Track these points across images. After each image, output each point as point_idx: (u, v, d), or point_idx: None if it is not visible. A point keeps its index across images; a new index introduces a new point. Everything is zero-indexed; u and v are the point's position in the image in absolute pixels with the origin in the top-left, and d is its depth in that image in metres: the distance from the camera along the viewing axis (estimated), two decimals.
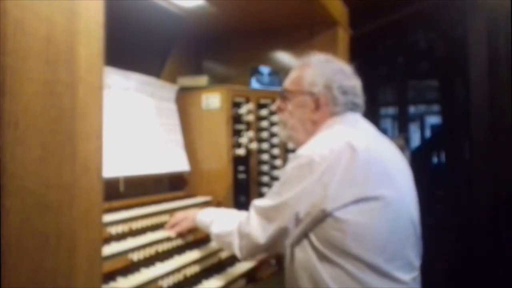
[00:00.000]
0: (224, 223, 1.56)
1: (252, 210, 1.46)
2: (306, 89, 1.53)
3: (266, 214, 1.40)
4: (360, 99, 1.56)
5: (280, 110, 1.63)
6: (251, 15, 2.41)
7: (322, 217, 1.32)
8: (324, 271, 1.32)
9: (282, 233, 1.38)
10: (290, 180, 1.38)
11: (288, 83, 1.62)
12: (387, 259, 1.32)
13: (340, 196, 1.30)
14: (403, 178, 1.47)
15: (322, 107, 1.51)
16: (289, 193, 1.36)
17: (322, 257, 1.33)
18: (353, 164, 1.32)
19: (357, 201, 1.30)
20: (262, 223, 1.41)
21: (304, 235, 1.37)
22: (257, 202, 1.46)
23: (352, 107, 1.52)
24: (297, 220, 1.35)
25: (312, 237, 1.35)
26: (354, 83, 1.55)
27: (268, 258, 1.89)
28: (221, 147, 2.16)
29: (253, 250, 1.45)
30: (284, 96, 1.61)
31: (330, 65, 1.56)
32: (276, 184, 1.45)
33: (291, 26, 2.57)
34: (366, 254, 1.30)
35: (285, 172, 1.42)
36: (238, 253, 1.48)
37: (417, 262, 1.44)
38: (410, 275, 1.38)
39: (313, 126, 1.52)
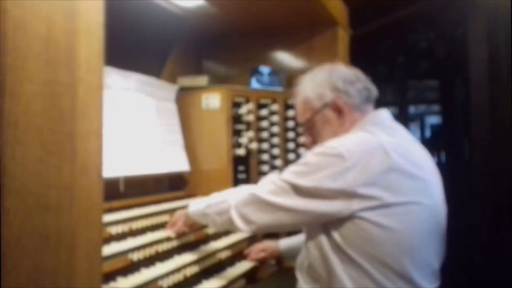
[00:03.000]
0: (220, 195, 1.56)
1: (263, 181, 1.45)
2: (319, 106, 1.50)
3: (281, 186, 1.35)
4: (368, 83, 1.52)
5: (313, 142, 1.55)
6: (251, 15, 2.41)
7: (347, 216, 1.28)
8: (346, 274, 1.29)
9: (291, 210, 1.33)
10: (311, 165, 1.32)
11: (300, 115, 1.58)
12: (413, 267, 1.28)
13: (370, 198, 1.25)
14: (437, 186, 1.43)
15: (343, 108, 1.48)
16: (307, 179, 1.30)
17: (346, 258, 1.29)
18: (385, 168, 1.27)
19: (388, 205, 1.26)
20: (272, 190, 1.36)
21: (325, 234, 1.33)
22: (273, 176, 1.44)
23: (367, 94, 1.49)
24: (310, 204, 1.30)
25: (336, 236, 1.31)
26: (352, 71, 1.53)
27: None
28: (221, 147, 2.16)
29: (254, 210, 1.39)
30: (307, 126, 1.56)
31: (319, 73, 1.54)
32: (295, 164, 1.39)
33: (291, 26, 2.58)
34: (392, 259, 1.26)
35: (307, 156, 1.36)
36: (234, 213, 1.43)
37: (439, 271, 1.41)
38: (433, 285, 1.36)
39: (345, 130, 1.47)
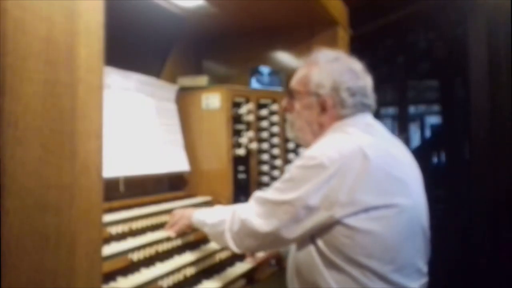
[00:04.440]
0: (219, 214, 1.56)
1: (252, 200, 1.45)
2: (312, 90, 1.47)
3: (267, 207, 1.38)
4: (370, 99, 1.50)
5: (287, 109, 1.59)
6: (251, 15, 2.41)
7: (330, 223, 1.29)
8: (331, 277, 1.30)
9: (279, 231, 1.34)
10: (295, 179, 1.34)
11: (295, 82, 1.56)
12: (396, 268, 1.29)
13: (350, 203, 1.26)
14: (417, 185, 1.43)
15: (328, 110, 1.46)
16: (292, 193, 1.32)
17: (329, 263, 1.30)
18: (364, 172, 1.27)
19: (368, 209, 1.27)
20: (260, 213, 1.38)
21: (310, 240, 1.35)
22: (259, 193, 1.45)
23: (362, 108, 1.47)
24: (297, 220, 1.32)
25: (319, 242, 1.32)
26: (364, 83, 1.49)
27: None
28: (221, 147, 2.16)
29: (245, 236, 1.42)
30: (291, 95, 1.56)
31: (339, 64, 1.49)
32: (279, 180, 1.41)
33: (291, 26, 2.58)
34: (374, 263, 1.27)
35: (290, 170, 1.38)
36: (229, 236, 1.46)
37: (425, 268, 1.41)
38: (418, 282, 1.36)
39: (320, 129, 1.48)
